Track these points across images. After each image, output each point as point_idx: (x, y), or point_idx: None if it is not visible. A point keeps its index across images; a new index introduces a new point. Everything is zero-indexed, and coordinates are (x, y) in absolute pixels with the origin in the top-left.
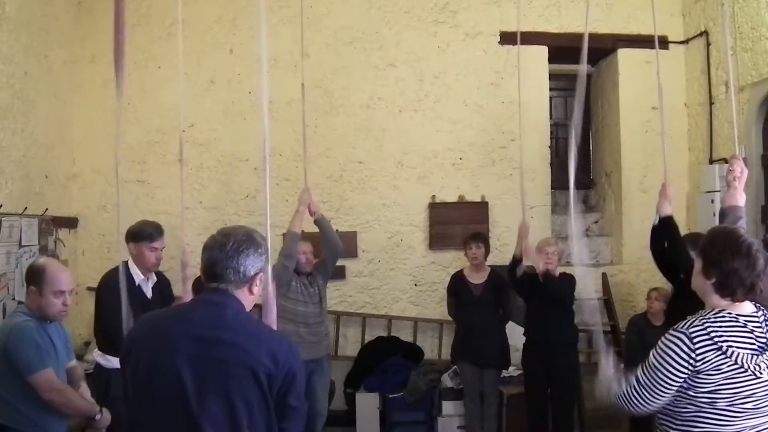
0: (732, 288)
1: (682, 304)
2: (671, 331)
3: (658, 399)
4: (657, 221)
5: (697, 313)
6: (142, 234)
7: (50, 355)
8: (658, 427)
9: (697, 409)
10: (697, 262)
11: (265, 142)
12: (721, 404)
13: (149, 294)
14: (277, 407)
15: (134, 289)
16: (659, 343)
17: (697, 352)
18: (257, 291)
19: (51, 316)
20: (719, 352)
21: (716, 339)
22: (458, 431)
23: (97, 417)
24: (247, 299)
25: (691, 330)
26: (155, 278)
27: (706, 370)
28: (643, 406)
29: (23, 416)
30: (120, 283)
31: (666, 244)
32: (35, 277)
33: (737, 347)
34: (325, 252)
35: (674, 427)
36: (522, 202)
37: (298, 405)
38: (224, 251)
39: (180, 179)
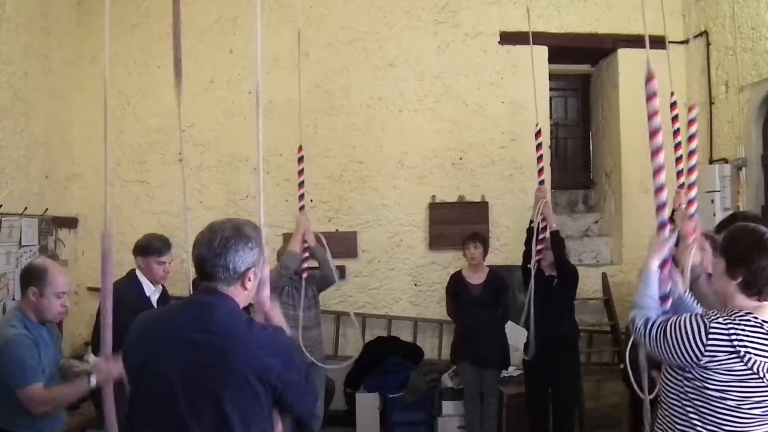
0: (759, 287)
1: None
2: (696, 315)
3: (653, 352)
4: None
5: (723, 311)
6: (151, 248)
7: (37, 372)
8: (661, 419)
9: (706, 406)
10: (719, 263)
11: (258, 142)
12: (730, 403)
13: (156, 304)
14: (280, 396)
15: (145, 300)
16: (682, 317)
17: (707, 348)
18: (251, 286)
19: (51, 318)
20: (735, 356)
21: (735, 343)
22: (458, 431)
23: (93, 384)
24: (241, 295)
25: (712, 325)
26: (161, 288)
27: (715, 369)
28: (640, 343)
29: (21, 418)
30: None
31: None
32: (36, 277)
33: (757, 355)
34: (319, 275)
35: (679, 423)
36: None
37: (297, 379)
38: (212, 249)
39: (181, 179)
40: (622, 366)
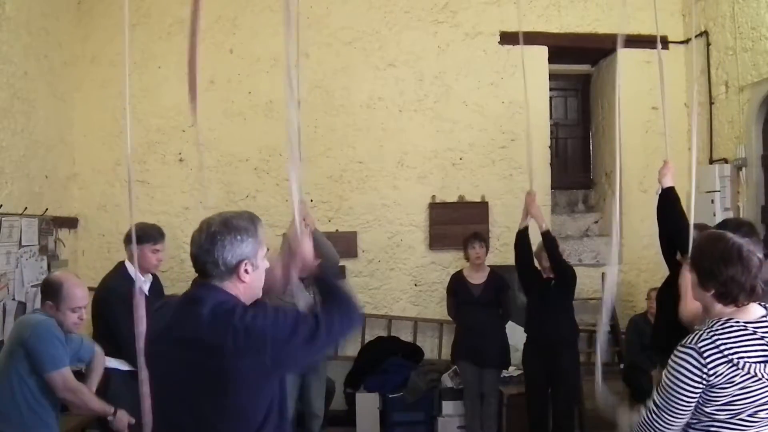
0: (733, 295)
1: (674, 293)
2: (680, 348)
3: (678, 419)
4: (659, 191)
5: (704, 325)
6: (145, 236)
7: (68, 356)
8: None
9: (714, 422)
10: (693, 276)
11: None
12: (738, 414)
13: (147, 294)
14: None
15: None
16: (670, 361)
17: (709, 366)
18: (249, 278)
19: (66, 329)
20: (730, 365)
21: (726, 352)
22: (458, 431)
23: (110, 418)
24: (238, 289)
25: (700, 345)
26: (151, 278)
27: (720, 384)
28: (665, 428)
29: (18, 418)
30: (128, 285)
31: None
32: (52, 292)
33: (748, 358)
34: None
35: None
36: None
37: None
38: (200, 245)
39: (181, 179)
40: (622, 366)
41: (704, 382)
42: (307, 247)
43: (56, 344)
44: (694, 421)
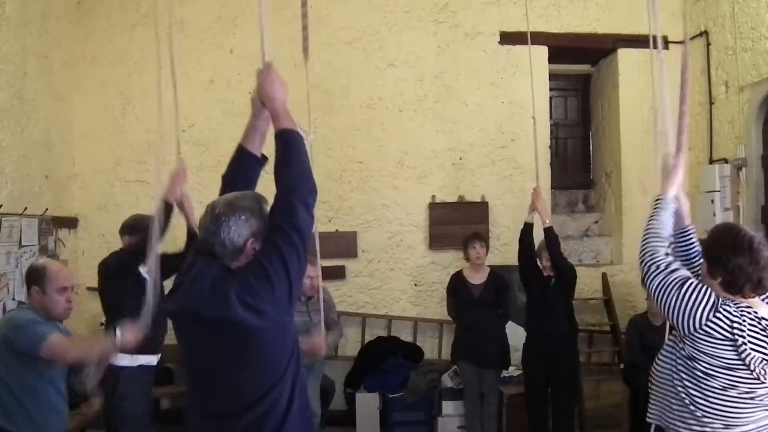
0: (739, 285)
1: None
2: (714, 293)
3: (655, 293)
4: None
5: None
6: (140, 226)
7: (51, 328)
8: (655, 401)
9: (695, 386)
10: (703, 264)
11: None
12: (716, 385)
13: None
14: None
15: (137, 276)
16: (704, 286)
17: (707, 324)
18: None
19: (57, 315)
20: (729, 343)
21: (736, 331)
22: (458, 431)
23: (118, 340)
24: None
25: (722, 307)
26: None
27: (704, 349)
28: (649, 276)
29: (22, 416)
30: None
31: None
32: (36, 277)
33: (753, 348)
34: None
35: (675, 404)
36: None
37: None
38: (206, 228)
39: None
40: (622, 366)
41: (692, 324)
42: (272, 80)
43: (33, 323)
44: (683, 377)
